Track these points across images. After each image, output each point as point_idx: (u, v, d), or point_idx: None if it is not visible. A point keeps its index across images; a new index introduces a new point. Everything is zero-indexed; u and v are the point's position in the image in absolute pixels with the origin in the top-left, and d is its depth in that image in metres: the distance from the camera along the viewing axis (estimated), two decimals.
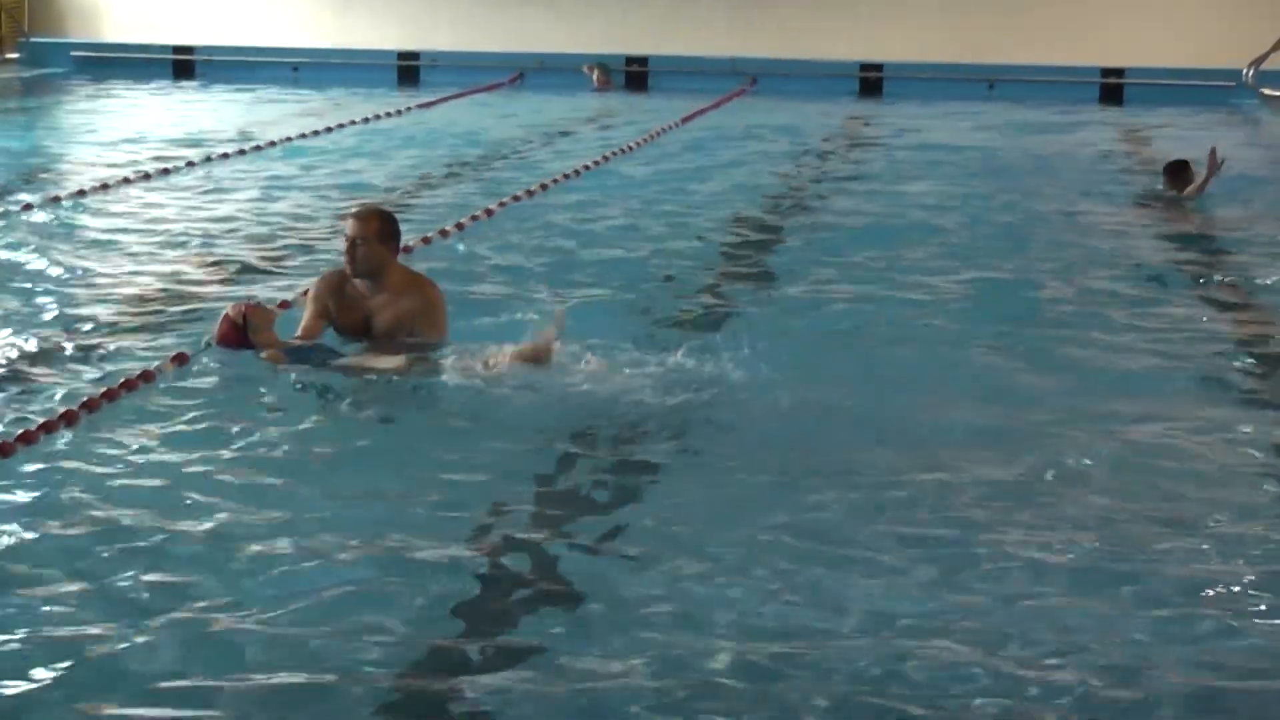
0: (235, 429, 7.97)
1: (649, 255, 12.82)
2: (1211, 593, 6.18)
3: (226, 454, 7.65)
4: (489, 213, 14.24)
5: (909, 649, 5.64)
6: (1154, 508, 7.11)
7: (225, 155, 18.19)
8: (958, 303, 11.22)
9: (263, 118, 22.58)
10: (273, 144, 19.32)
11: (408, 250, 11.97)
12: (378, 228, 9.03)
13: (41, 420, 7.94)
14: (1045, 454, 7.77)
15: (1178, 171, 15.79)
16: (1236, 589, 6.24)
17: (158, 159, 17.81)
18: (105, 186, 15.67)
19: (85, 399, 8.25)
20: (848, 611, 5.95)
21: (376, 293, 9.10)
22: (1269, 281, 12.20)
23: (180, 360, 8.98)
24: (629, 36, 28.98)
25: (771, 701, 5.31)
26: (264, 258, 12.50)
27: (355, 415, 8.27)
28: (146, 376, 8.71)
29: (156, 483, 7.27)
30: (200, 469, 7.44)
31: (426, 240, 12.45)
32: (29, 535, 6.59)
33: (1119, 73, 27.27)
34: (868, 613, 5.94)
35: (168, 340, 9.63)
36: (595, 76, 27.67)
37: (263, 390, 8.58)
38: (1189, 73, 26.71)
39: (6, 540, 6.52)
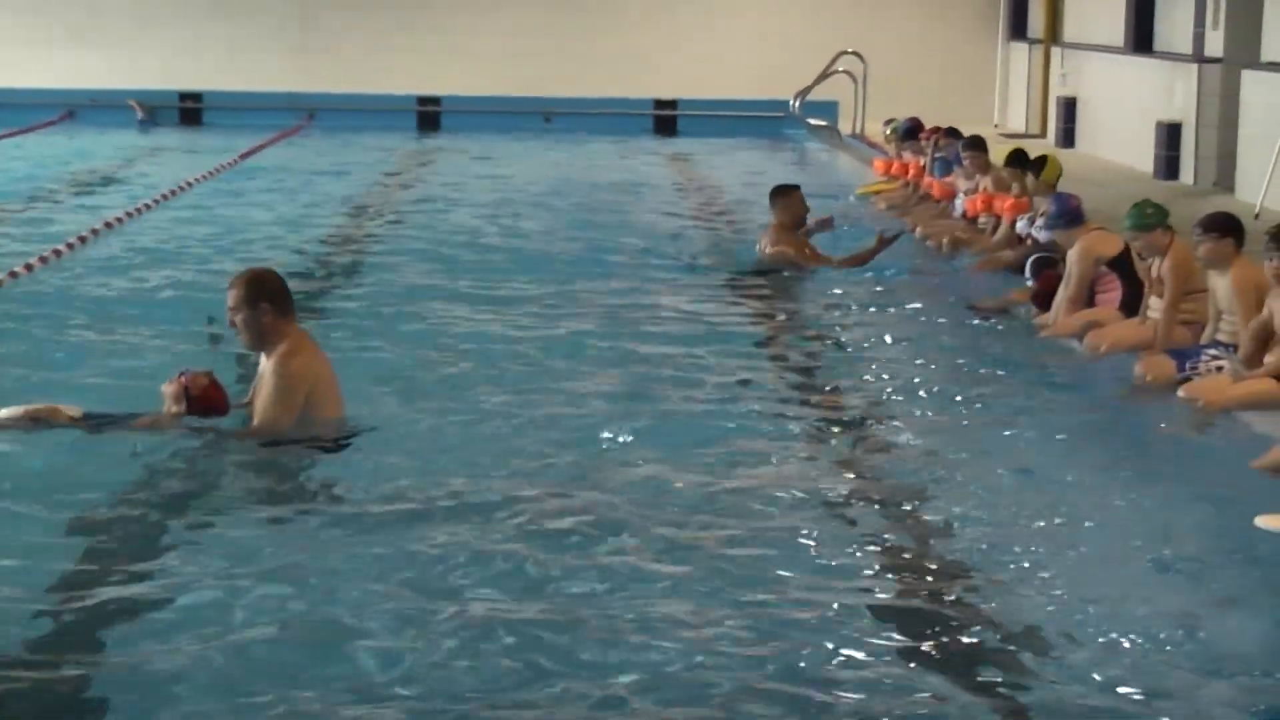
0: None
1: (201, 295, 12.59)
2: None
3: None
4: (28, 268, 13.74)
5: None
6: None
7: None
8: (507, 337, 11.26)
9: None
10: None
11: None
12: (239, 294, 8.28)
13: None
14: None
15: (783, 194, 14.22)
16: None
17: None
18: None
19: None
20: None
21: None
22: (819, 320, 12.62)
23: None
24: (183, 72, 28.46)
25: None
26: None
27: None
28: None
29: None
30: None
31: None
32: None
33: (672, 104, 27.92)
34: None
35: None
36: (137, 109, 27.15)
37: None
38: (739, 104, 27.49)
39: None
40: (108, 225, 15.69)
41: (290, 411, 8.23)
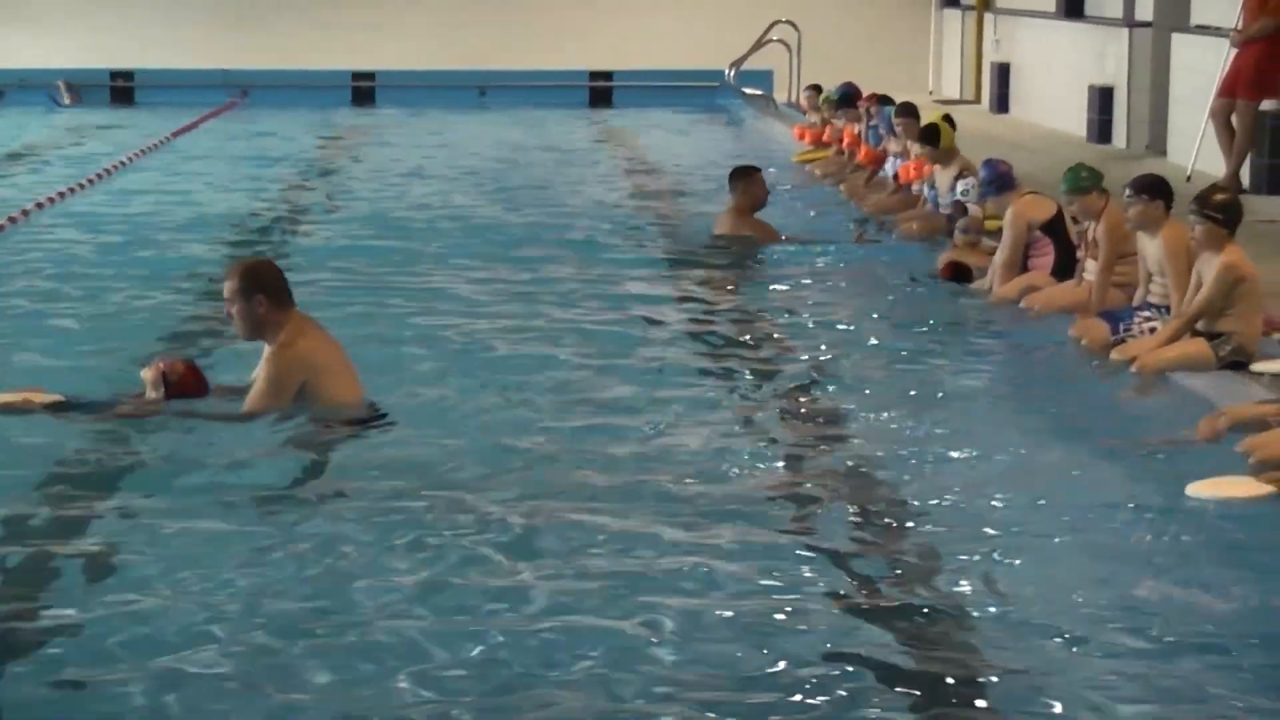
0: None
1: (143, 275, 12.54)
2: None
3: None
4: None
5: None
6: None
7: None
8: (444, 313, 11.27)
9: None
10: None
11: None
12: (234, 286, 8.24)
13: None
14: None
15: (743, 177, 14.06)
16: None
17: None
18: None
19: None
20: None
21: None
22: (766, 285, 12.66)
23: None
24: (113, 50, 28.23)
25: None
26: None
27: None
28: None
29: None
30: None
31: None
32: None
33: (607, 76, 27.87)
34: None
35: None
36: (64, 91, 26.83)
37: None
38: (675, 74, 27.47)
39: None
40: (38, 206, 15.57)
41: (278, 400, 8.24)
